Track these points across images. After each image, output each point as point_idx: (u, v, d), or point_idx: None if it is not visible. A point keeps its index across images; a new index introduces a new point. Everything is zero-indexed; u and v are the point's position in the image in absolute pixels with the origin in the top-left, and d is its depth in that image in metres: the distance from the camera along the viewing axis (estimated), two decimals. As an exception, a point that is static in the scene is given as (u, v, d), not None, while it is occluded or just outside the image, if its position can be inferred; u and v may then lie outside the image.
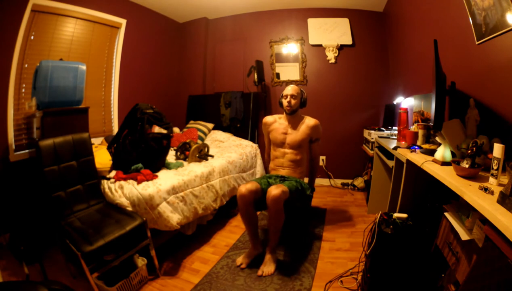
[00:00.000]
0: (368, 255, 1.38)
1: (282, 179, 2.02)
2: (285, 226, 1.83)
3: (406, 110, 1.90)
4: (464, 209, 1.12)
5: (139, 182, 1.82)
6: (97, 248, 1.37)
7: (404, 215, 1.34)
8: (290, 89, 2.11)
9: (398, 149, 1.74)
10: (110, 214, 1.68)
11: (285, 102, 2.11)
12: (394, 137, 2.40)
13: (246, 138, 3.47)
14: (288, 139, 2.14)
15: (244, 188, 1.79)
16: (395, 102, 3.00)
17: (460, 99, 1.55)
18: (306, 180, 2.24)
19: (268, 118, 2.27)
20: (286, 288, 1.58)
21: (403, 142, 1.80)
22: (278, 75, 3.74)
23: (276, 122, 2.22)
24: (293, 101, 2.08)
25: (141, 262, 1.67)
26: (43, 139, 1.69)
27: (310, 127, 2.13)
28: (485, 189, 0.90)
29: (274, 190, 1.68)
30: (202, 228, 2.27)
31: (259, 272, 1.71)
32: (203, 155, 2.52)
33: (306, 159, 2.20)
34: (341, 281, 1.63)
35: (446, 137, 1.31)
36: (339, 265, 1.79)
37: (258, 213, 1.94)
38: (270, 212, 1.74)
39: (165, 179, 1.91)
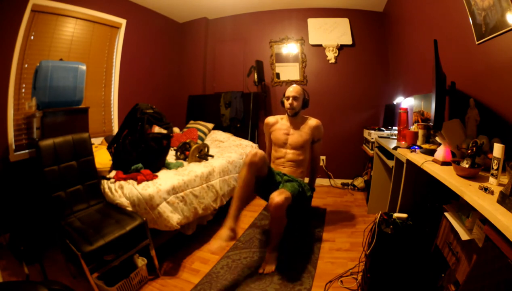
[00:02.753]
0: (368, 255, 1.38)
1: (285, 177, 2.01)
2: (285, 226, 1.83)
3: (406, 110, 1.89)
4: (464, 209, 1.12)
5: (139, 182, 1.82)
6: (97, 248, 1.37)
7: (404, 215, 1.34)
8: (292, 90, 2.08)
9: (398, 149, 1.74)
10: (110, 214, 1.68)
11: (287, 104, 2.09)
12: (394, 137, 2.40)
13: (246, 138, 3.47)
14: (290, 140, 2.13)
15: (257, 155, 1.74)
16: (395, 102, 3.00)
17: (460, 99, 1.55)
18: (306, 180, 2.24)
19: (270, 119, 2.26)
20: (286, 288, 1.58)
21: (403, 142, 1.80)
22: (278, 75, 3.74)
23: (278, 123, 2.21)
24: (295, 103, 2.07)
25: (141, 262, 1.67)
26: (43, 139, 1.69)
27: (312, 128, 2.12)
28: (485, 189, 0.90)
29: (277, 197, 1.64)
30: (202, 228, 2.26)
31: (260, 270, 1.72)
32: (203, 155, 2.52)
33: (307, 160, 2.19)
34: (341, 281, 1.63)
35: (446, 137, 1.31)
36: (339, 265, 1.79)
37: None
38: (272, 218, 1.72)
39: (165, 179, 1.91)
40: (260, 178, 1.86)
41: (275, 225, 1.75)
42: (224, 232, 1.59)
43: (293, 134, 2.13)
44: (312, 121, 2.14)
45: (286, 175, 2.06)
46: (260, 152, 1.79)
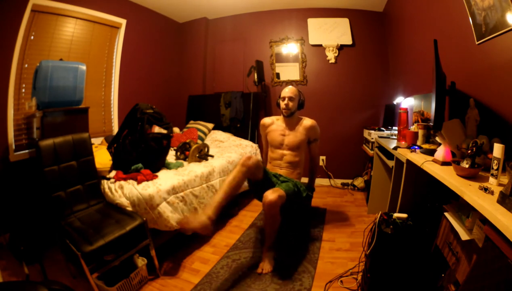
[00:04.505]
0: (368, 255, 1.38)
1: (282, 178, 2.02)
2: (285, 226, 1.83)
3: (406, 110, 1.89)
4: (464, 209, 1.12)
5: (139, 182, 1.82)
6: (97, 248, 1.37)
7: (404, 215, 1.34)
8: (287, 91, 2.09)
9: (398, 149, 1.74)
10: (110, 214, 1.68)
11: (282, 104, 2.10)
12: (394, 137, 2.40)
13: (246, 138, 3.47)
14: (286, 141, 2.13)
15: (250, 159, 1.76)
16: (395, 102, 3.00)
17: (460, 99, 1.55)
18: (303, 180, 2.24)
19: (265, 120, 2.26)
20: (286, 288, 1.58)
21: (403, 142, 1.80)
22: (278, 75, 3.74)
23: (274, 124, 2.21)
24: (290, 104, 2.08)
25: (141, 262, 1.67)
26: (43, 139, 1.69)
27: (307, 128, 2.12)
28: (485, 189, 0.90)
29: (271, 195, 1.65)
30: (202, 228, 2.26)
31: (259, 270, 1.72)
32: (203, 155, 2.52)
33: (304, 160, 2.19)
34: (341, 281, 1.63)
35: (446, 137, 1.31)
36: (339, 265, 1.79)
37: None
38: (266, 216, 1.73)
39: (165, 179, 1.91)
40: (256, 181, 1.88)
41: (269, 223, 1.76)
42: (202, 218, 1.50)
43: (289, 135, 2.14)
44: (307, 122, 2.14)
45: (283, 176, 2.06)
46: (255, 157, 1.80)
